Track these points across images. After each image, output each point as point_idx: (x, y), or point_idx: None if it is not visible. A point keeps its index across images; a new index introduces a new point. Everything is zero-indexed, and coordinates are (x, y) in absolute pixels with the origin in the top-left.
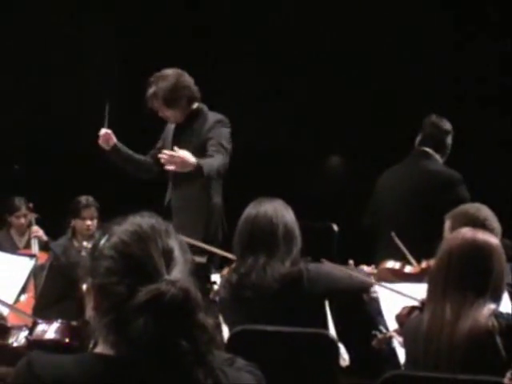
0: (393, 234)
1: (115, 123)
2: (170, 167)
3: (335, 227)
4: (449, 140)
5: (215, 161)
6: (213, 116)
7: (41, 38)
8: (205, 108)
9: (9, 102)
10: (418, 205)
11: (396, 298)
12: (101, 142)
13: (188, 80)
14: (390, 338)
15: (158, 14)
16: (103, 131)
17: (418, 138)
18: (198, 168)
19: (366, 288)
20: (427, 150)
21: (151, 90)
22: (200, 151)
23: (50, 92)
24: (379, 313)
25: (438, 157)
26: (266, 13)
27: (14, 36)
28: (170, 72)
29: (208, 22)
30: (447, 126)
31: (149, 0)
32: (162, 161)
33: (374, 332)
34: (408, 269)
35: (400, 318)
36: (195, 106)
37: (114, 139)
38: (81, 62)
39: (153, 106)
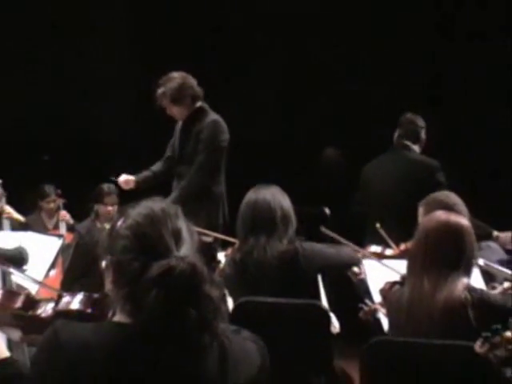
0: (377, 225)
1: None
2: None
3: (327, 211)
4: (423, 134)
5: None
6: (209, 117)
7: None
8: (206, 107)
9: (38, 96)
10: (404, 191)
11: (380, 274)
12: (123, 187)
13: (192, 81)
14: (375, 310)
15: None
16: (122, 179)
17: (397, 133)
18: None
19: (353, 262)
20: (407, 143)
21: (160, 90)
22: (195, 146)
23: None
24: (365, 288)
25: (416, 148)
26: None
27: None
28: (176, 75)
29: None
30: (421, 121)
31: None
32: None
33: (360, 305)
34: (388, 251)
35: (383, 292)
36: (198, 104)
37: (132, 179)
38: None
39: (162, 103)
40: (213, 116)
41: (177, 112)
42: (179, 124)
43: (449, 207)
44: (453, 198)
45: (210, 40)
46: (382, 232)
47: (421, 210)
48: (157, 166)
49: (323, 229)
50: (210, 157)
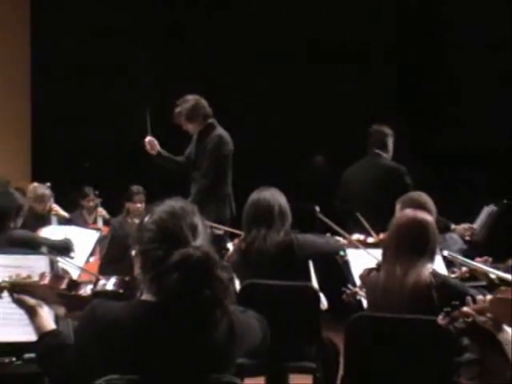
0: (358, 214)
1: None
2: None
3: (317, 208)
4: (390, 141)
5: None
6: (215, 132)
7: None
8: (215, 123)
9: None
10: (376, 192)
11: (360, 262)
12: (148, 148)
13: (204, 103)
14: (356, 292)
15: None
16: (148, 138)
17: (368, 142)
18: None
19: (339, 248)
20: (376, 151)
21: (177, 110)
22: (204, 157)
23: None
24: (349, 273)
25: (385, 155)
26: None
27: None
28: (190, 97)
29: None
30: (387, 130)
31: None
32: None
33: (343, 289)
34: (370, 239)
35: (363, 278)
36: (209, 121)
37: (158, 146)
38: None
39: (178, 121)
40: (219, 131)
41: (191, 128)
42: (195, 136)
43: (421, 205)
44: (424, 197)
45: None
46: (363, 221)
47: (398, 207)
48: (178, 158)
49: (319, 214)
50: (213, 164)
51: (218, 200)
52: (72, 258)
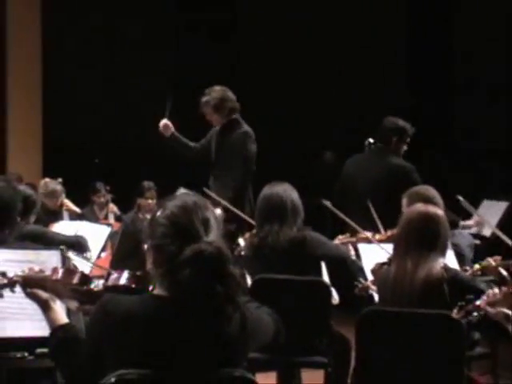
0: (369, 203)
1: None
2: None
3: (328, 204)
4: (395, 138)
5: (235, 182)
6: (242, 128)
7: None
8: (240, 119)
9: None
10: (379, 190)
11: (372, 256)
12: (161, 129)
13: (232, 95)
14: (368, 287)
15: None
16: (163, 121)
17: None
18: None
19: (346, 256)
20: (380, 146)
21: (205, 99)
22: (230, 154)
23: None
24: (360, 269)
25: (389, 150)
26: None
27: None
28: (219, 88)
29: None
30: (394, 125)
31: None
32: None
33: (355, 283)
34: (377, 236)
35: (374, 272)
36: (234, 116)
37: (172, 129)
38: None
39: (204, 110)
40: (245, 127)
41: (215, 119)
42: (216, 129)
43: (428, 199)
44: (432, 191)
45: None
46: (374, 215)
47: (404, 201)
48: (192, 143)
49: (333, 208)
50: (242, 166)
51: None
52: (87, 257)
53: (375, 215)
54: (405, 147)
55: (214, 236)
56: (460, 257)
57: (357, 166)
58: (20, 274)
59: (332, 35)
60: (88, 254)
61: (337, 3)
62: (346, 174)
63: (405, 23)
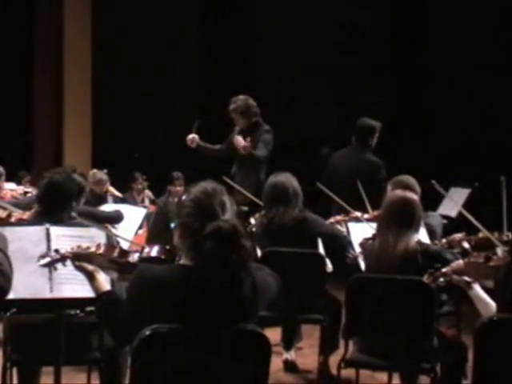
0: (358, 183)
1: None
2: (241, 150)
3: (322, 186)
4: (370, 137)
5: (259, 153)
6: (263, 127)
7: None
8: (260, 121)
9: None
10: (353, 180)
11: (359, 232)
12: (188, 143)
13: (253, 102)
14: (357, 257)
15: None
16: (190, 136)
17: (354, 134)
18: (251, 154)
19: (339, 233)
20: (357, 143)
21: (233, 106)
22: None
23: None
24: (349, 242)
25: (365, 148)
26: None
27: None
28: (243, 96)
29: None
30: (369, 126)
31: None
32: (237, 147)
33: (346, 254)
34: (366, 215)
35: (361, 245)
36: (255, 119)
37: (197, 141)
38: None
39: (232, 115)
40: (266, 126)
41: (242, 122)
42: (236, 129)
43: (409, 186)
44: (411, 180)
45: None
46: (363, 192)
47: (389, 188)
48: (216, 146)
49: (322, 186)
50: (266, 148)
51: (256, 182)
52: (116, 228)
53: (365, 197)
54: (375, 141)
55: (229, 215)
56: (432, 234)
57: (340, 159)
58: (70, 250)
59: None
60: (122, 224)
61: None
62: (331, 164)
63: None
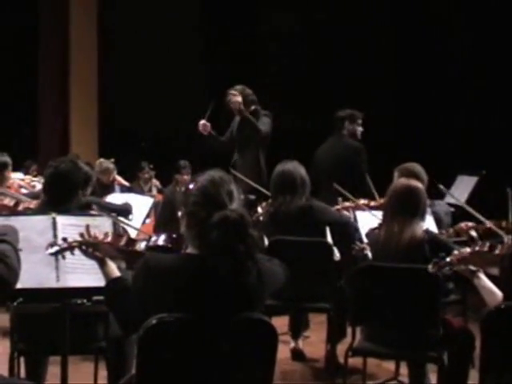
0: (335, 184)
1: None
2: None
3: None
4: (346, 123)
5: (262, 127)
6: (261, 112)
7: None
8: (259, 108)
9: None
10: (338, 166)
11: (366, 223)
12: (201, 129)
13: (250, 90)
14: (363, 248)
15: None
16: (203, 122)
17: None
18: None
19: (346, 221)
20: (337, 131)
21: (232, 98)
22: (254, 136)
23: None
24: (356, 229)
25: (344, 134)
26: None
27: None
28: (239, 86)
29: None
30: (344, 114)
31: None
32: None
33: (353, 245)
34: (373, 203)
35: (368, 235)
36: (253, 107)
37: (209, 128)
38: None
39: (233, 105)
40: (263, 111)
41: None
42: (236, 119)
43: (415, 174)
44: (417, 167)
45: None
46: (370, 183)
47: (395, 175)
48: (222, 138)
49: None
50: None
51: (256, 170)
52: (130, 219)
53: (372, 186)
54: (360, 129)
55: (236, 205)
56: (439, 222)
57: (324, 148)
58: (78, 239)
59: None
60: (131, 217)
61: None
62: (316, 158)
63: None
